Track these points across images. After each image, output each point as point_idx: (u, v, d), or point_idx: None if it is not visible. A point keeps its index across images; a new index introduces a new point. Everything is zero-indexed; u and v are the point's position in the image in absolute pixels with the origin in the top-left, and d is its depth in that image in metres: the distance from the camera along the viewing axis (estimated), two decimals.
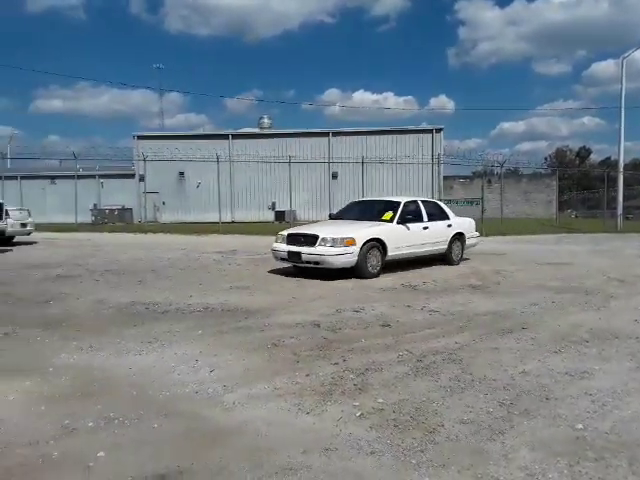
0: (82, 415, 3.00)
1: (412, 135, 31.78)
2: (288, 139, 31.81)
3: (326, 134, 32.20)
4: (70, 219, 25.60)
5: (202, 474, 2.38)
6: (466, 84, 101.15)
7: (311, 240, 8.11)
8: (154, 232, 21.73)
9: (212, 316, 5.51)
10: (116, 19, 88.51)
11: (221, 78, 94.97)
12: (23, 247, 14.06)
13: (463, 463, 2.49)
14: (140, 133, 33.17)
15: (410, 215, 9.20)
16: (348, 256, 7.94)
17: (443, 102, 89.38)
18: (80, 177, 29.04)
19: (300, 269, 8.64)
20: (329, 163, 29.78)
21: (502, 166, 24.20)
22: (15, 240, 14.85)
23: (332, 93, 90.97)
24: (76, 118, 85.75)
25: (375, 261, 8.35)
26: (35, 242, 15.49)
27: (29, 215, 15.26)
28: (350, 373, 3.73)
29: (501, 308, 6.03)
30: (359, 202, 11.03)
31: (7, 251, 12.78)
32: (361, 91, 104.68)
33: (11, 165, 33.53)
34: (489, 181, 31.20)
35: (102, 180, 28.89)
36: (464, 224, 10.53)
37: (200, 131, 36.42)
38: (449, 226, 9.99)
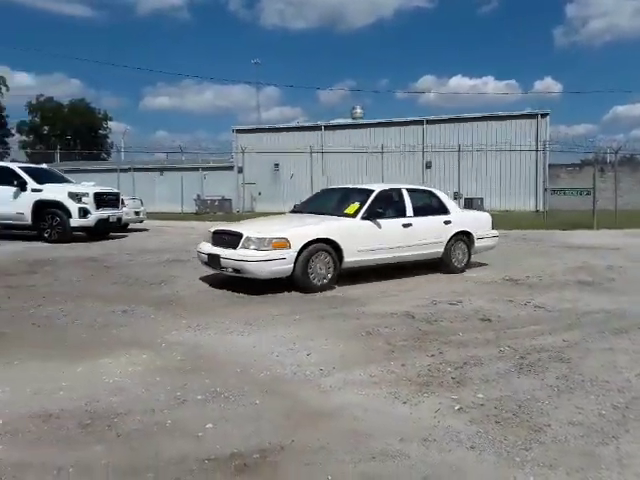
0: (192, 388, 3.23)
1: (514, 121, 29.97)
2: (381, 128, 31.51)
3: (420, 122, 31.41)
4: (176, 208, 27.54)
5: (302, 452, 2.47)
6: (575, 65, 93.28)
7: (234, 240, 6.06)
8: None
9: (307, 301, 5.66)
10: (216, 17, 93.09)
11: (315, 70, 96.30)
12: (137, 234, 15.35)
13: (572, 465, 2.34)
14: (239, 127, 34.70)
15: (385, 208, 6.97)
16: (278, 263, 5.83)
17: (549, 85, 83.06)
18: (185, 169, 31.10)
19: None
20: (423, 152, 29.09)
21: (617, 153, 22.05)
22: (129, 227, 16.24)
23: (426, 80, 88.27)
24: (181, 114, 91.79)
25: (323, 270, 6.16)
26: (146, 229, 16.85)
27: (141, 204, 16.62)
28: (447, 366, 3.64)
29: (615, 306, 5.53)
30: (327, 190, 9.18)
31: (123, 237, 14.03)
32: (458, 76, 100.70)
33: (125, 158, 36.71)
34: (601, 170, 28.68)
35: (204, 172, 30.70)
36: (470, 220, 8.12)
37: (294, 123, 37.29)
38: (447, 223, 7.58)
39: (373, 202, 6.86)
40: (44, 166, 13.64)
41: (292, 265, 5.92)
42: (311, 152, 23.67)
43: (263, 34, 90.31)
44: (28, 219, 10.86)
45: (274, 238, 5.88)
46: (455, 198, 23.28)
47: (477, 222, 8.22)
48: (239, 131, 33.93)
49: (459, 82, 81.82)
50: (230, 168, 32.98)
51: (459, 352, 3.94)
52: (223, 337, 4.33)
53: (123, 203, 14.26)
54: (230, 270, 6.06)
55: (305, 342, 4.16)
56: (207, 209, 28.87)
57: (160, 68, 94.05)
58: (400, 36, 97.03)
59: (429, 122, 31.38)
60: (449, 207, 7.85)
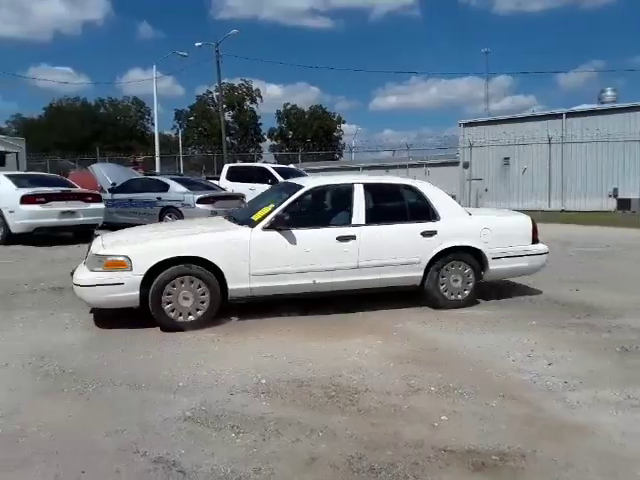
0: (424, 379, 3.32)
1: None
2: (638, 113, 26.69)
3: None
4: None
5: (546, 464, 2.31)
6: None
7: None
8: None
9: (545, 308, 5.20)
10: (446, 11, 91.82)
11: (553, 54, 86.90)
12: None
13: None
14: (466, 120, 33.64)
15: (313, 213, 5.32)
16: (112, 289, 4.21)
17: None
18: (410, 166, 31.65)
19: None
20: None
21: None
22: None
23: None
24: (407, 111, 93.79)
25: (190, 302, 4.36)
26: None
27: None
28: None
29: None
30: (275, 187, 7.04)
31: None
32: None
33: (355, 157, 39.36)
34: None
35: (428, 169, 30.78)
36: (478, 229, 5.17)
37: (529, 113, 34.42)
38: (428, 234, 4.97)
39: (291, 205, 4.78)
40: (291, 166, 15.60)
41: (136, 293, 4.24)
42: (550, 143, 21.53)
43: (496, 22, 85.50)
44: None
45: (109, 255, 4.31)
46: None
47: (496, 232, 5.20)
48: (466, 124, 32.87)
49: None
50: (454, 164, 32.33)
51: None
52: (458, 335, 4.31)
53: None
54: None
55: (545, 351, 3.85)
56: None
57: (390, 68, 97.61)
58: None
59: None
60: (439, 210, 5.09)
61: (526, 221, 5.49)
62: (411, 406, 2.94)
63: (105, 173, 12.87)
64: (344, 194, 5.05)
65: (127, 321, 4.41)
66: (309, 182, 5.25)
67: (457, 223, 5.15)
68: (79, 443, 2.56)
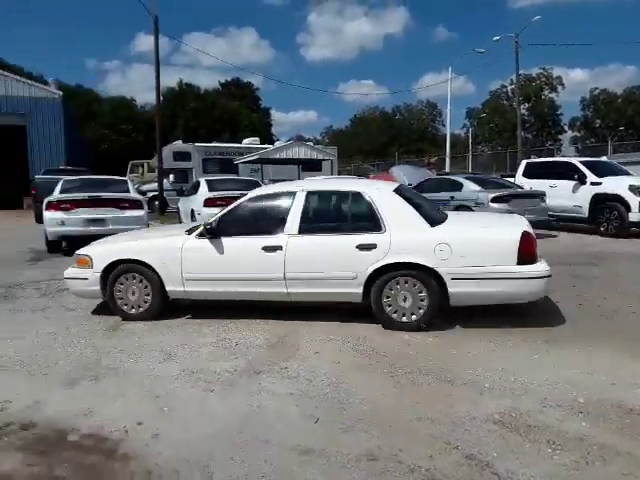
0: None
1: None
2: None
3: None
4: None
5: None
6: None
7: None
8: None
9: None
10: None
11: None
12: None
13: None
14: None
15: (251, 222, 4.90)
16: (82, 283, 5.01)
17: None
18: None
19: None
20: None
21: None
22: None
23: None
24: None
25: (136, 297, 4.85)
26: None
27: None
28: None
29: None
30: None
31: None
32: None
33: None
34: None
35: None
36: (432, 243, 4.26)
37: None
38: (365, 248, 4.33)
39: (229, 213, 4.89)
40: (604, 159, 13.55)
41: (97, 288, 4.94)
42: None
43: None
44: (585, 212, 11.12)
45: (79, 254, 5.12)
46: None
47: (458, 248, 4.25)
48: None
49: None
50: None
51: None
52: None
53: None
54: None
55: None
56: None
57: None
58: None
59: None
60: (386, 221, 4.43)
61: (509, 236, 4.30)
62: None
63: (403, 174, 13.80)
64: (285, 202, 4.83)
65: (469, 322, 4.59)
66: (256, 190, 5.26)
67: (405, 236, 4.39)
68: (393, 422, 2.79)
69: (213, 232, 4.71)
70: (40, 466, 2.45)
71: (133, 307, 4.91)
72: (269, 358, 3.81)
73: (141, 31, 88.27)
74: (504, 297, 4.37)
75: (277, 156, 16.71)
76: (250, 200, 4.98)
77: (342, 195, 4.94)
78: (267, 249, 4.56)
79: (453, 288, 4.24)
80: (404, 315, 4.36)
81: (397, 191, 4.75)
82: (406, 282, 4.34)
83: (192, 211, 10.72)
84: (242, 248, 4.71)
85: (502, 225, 4.96)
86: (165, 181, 17.87)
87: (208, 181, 11.15)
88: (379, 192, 4.70)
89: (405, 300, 4.36)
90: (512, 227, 4.54)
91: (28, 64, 43.40)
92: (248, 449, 2.57)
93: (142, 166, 25.47)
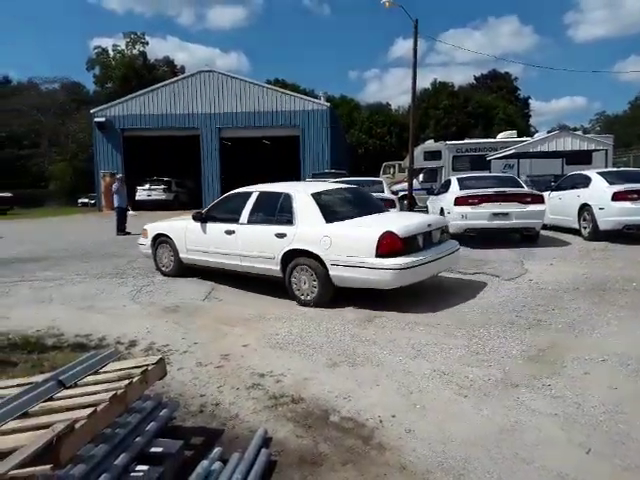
0: None
1: None
2: None
3: None
4: None
5: None
6: None
7: None
8: None
9: None
10: None
11: None
12: None
13: None
14: None
15: (224, 212, 6.62)
16: (143, 247, 7.65)
17: None
18: None
19: None
20: None
21: None
22: None
23: None
24: None
25: (166, 259, 7.26)
26: None
27: None
28: None
29: None
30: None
31: None
32: None
33: None
34: None
35: None
36: (319, 236, 5.49)
37: None
38: (280, 236, 5.77)
39: (215, 205, 6.85)
40: None
41: (150, 251, 7.43)
42: None
43: None
44: None
45: (144, 229, 7.56)
46: None
47: (336, 241, 5.38)
48: None
49: None
50: None
51: None
52: None
53: None
54: None
55: None
56: None
57: None
58: None
59: None
60: (297, 217, 5.75)
61: (372, 235, 5.21)
62: None
63: None
64: (246, 199, 6.35)
65: None
66: (235, 191, 6.82)
67: (305, 230, 5.63)
68: None
69: (202, 218, 6.56)
70: (307, 439, 2.73)
71: (164, 266, 7.23)
72: (527, 371, 3.47)
73: (399, 36, 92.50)
74: (367, 282, 5.26)
75: (538, 149, 15.18)
76: (226, 197, 6.82)
77: (277, 195, 6.12)
78: (228, 232, 6.21)
79: (332, 271, 5.33)
80: (308, 295, 5.50)
81: (313, 195, 5.86)
82: (305, 267, 5.49)
83: (442, 209, 10.63)
84: (216, 230, 6.39)
85: (373, 225, 5.57)
86: (414, 181, 18.24)
87: (459, 179, 10.89)
88: (299, 195, 5.90)
89: (305, 283, 5.53)
90: (371, 229, 5.35)
91: (304, 82, 50.05)
92: (506, 466, 2.38)
93: (394, 167, 26.65)
